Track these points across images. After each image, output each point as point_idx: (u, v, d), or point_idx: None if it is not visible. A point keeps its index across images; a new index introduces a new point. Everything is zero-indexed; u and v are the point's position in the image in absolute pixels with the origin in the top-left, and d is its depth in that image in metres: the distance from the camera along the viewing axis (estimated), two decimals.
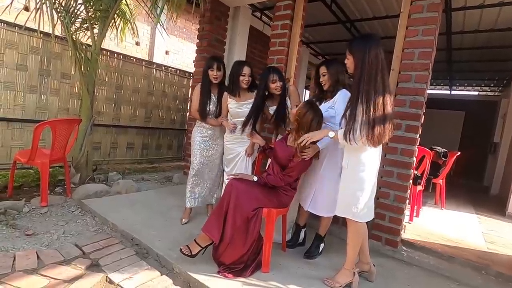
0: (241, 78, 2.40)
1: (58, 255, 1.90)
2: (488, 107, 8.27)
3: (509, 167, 5.12)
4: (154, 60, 6.83)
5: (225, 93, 2.54)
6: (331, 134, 1.81)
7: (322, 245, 2.28)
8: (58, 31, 3.31)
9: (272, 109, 2.44)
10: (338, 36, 5.48)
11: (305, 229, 2.44)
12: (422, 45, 2.36)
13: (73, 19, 3.10)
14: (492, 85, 7.99)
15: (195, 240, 1.91)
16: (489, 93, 8.88)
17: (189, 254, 1.85)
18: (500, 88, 8.01)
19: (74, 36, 3.23)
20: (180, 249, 1.87)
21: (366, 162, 1.76)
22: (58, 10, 2.99)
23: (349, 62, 1.76)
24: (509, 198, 4.21)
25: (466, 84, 8.45)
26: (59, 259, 1.86)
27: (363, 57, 1.66)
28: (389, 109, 1.67)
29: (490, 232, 3.23)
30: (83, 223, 2.50)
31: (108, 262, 1.88)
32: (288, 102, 2.41)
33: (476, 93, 9.13)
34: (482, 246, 2.73)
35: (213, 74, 2.51)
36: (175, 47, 7.49)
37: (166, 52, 7.28)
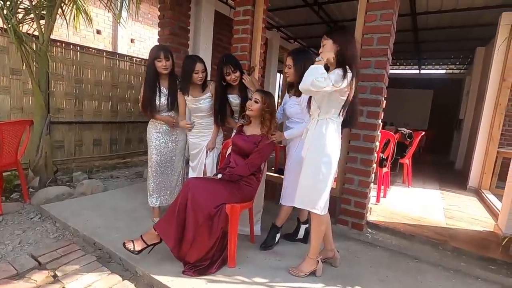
0: (195, 76, 2.30)
1: (11, 268, 1.80)
2: (455, 84, 8.62)
3: (471, 143, 5.39)
4: (119, 49, 6.48)
5: (179, 91, 2.44)
6: (318, 58, 1.72)
7: (278, 235, 2.28)
8: (0, 23, 3.01)
9: (232, 97, 2.41)
10: (308, 19, 5.41)
11: (306, 225, 2.37)
12: (381, 30, 2.35)
13: (12, 9, 2.81)
14: (457, 63, 8.28)
15: (141, 236, 1.85)
16: (456, 71, 9.23)
17: (133, 249, 1.79)
18: (465, 66, 8.33)
19: (17, 29, 2.95)
20: (124, 243, 1.80)
21: (327, 151, 1.76)
22: None
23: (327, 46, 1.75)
24: (470, 172, 4.47)
25: (434, 63, 8.72)
26: (12, 273, 1.75)
27: (348, 42, 1.72)
28: None
29: (451, 207, 3.42)
30: (42, 230, 2.37)
31: (66, 272, 1.80)
32: (250, 93, 2.36)
33: (444, 71, 9.46)
34: (442, 222, 2.89)
35: (162, 64, 2.32)
36: (141, 35, 7.11)
37: (132, 41, 6.91)
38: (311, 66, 1.66)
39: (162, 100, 2.41)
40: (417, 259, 2.25)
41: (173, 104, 2.46)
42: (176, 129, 2.54)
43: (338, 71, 1.66)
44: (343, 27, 1.80)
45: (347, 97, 1.71)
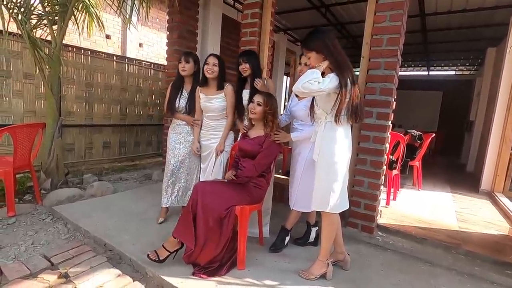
0: (205, 67, 2.39)
1: (24, 268, 1.82)
2: (465, 86, 8.48)
3: (482, 145, 5.29)
4: (128, 54, 6.58)
5: (198, 87, 2.52)
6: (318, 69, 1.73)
7: (287, 238, 2.27)
8: (15, 28, 3.09)
9: (245, 91, 2.45)
10: (315, 21, 5.41)
11: (316, 228, 2.36)
12: (390, 31, 2.33)
13: (27, 15, 2.88)
14: (467, 64, 8.15)
15: (163, 245, 1.88)
16: (465, 72, 9.08)
17: (157, 259, 1.82)
18: (475, 66, 8.19)
19: (31, 34, 3.02)
20: (148, 255, 1.83)
21: (337, 153, 1.76)
22: (9, 6, 2.78)
23: (312, 58, 1.75)
24: (482, 175, 4.37)
25: (443, 65, 8.60)
26: (25, 273, 1.78)
27: (329, 49, 1.69)
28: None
29: (463, 211, 3.34)
30: (54, 231, 2.41)
31: (77, 272, 1.82)
32: None
33: (453, 72, 9.32)
34: (454, 225, 2.83)
35: (181, 66, 2.50)
36: (149, 39, 7.21)
37: (140, 45, 7.01)
38: (309, 70, 1.70)
39: (181, 101, 2.55)
40: (429, 262, 2.21)
41: (191, 108, 2.56)
42: (191, 131, 2.61)
43: (333, 77, 1.67)
44: (319, 32, 1.76)
45: (348, 102, 1.70)
